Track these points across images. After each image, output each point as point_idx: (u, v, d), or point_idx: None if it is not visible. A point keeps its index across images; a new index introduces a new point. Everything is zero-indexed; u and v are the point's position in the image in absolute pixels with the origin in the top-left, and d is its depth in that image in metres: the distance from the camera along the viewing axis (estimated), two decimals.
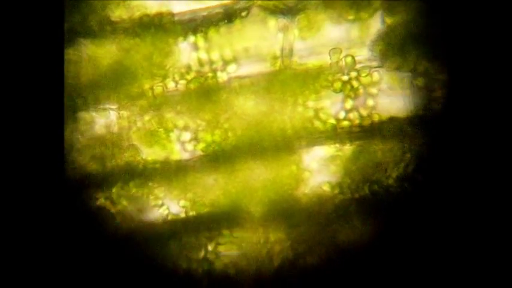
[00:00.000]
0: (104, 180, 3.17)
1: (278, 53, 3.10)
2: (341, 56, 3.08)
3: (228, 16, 3.08)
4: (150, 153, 3.16)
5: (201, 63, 3.12)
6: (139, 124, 3.15)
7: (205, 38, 3.11)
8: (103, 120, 3.16)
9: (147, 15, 3.11)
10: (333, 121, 3.11)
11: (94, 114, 3.15)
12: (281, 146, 3.11)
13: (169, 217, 3.17)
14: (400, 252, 3.05)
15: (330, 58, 3.08)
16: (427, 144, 3.05)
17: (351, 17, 3.06)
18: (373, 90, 3.09)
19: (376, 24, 3.07)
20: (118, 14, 3.11)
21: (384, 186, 3.08)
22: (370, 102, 3.09)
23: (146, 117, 3.14)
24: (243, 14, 3.08)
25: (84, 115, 3.15)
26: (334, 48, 3.07)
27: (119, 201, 3.17)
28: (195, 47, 3.12)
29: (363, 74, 3.08)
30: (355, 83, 3.09)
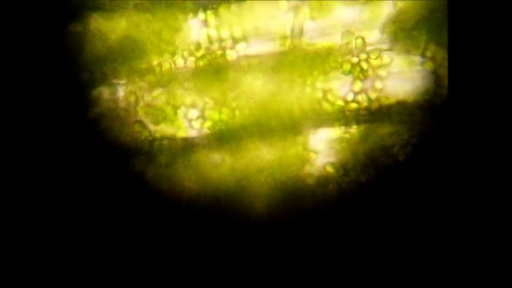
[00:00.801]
0: (110, 156, 3.16)
1: (288, 32, 3.09)
2: (352, 38, 3.07)
3: None
4: (157, 130, 3.16)
5: (210, 40, 3.12)
6: (147, 100, 3.14)
7: (216, 15, 3.10)
8: (110, 95, 3.15)
9: None
10: (341, 103, 3.10)
11: (101, 89, 3.15)
12: (288, 126, 3.10)
13: (175, 195, 3.16)
14: (405, 236, 3.04)
15: (342, 40, 3.07)
16: (435, 129, 3.03)
17: None
18: (383, 73, 3.07)
19: (387, 6, 3.05)
20: None
21: (390, 170, 3.07)
22: (379, 85, 3.08)
23: (154, 93, 3.14)
24: None
25: (91, 90, 3.15)
26: (346, 31, 3.06)
27: (126, 177, 3.16)
28: (205, 24, 3.11)
29: (373, 57, 3.07)
30: (364, 65, 3.07)
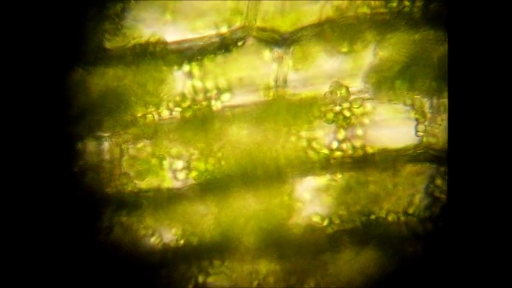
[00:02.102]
0: (95, 209, 3.14)
1: (272, 83, 3.13)
2: (336, 87, 3.11)
3: (225, 46, 3.11)
4: (142, 182, 3.15)
5: (195, 91, 3.14)
6: (131, 152, 3.14)
7: (201, 67, 3.13)
8: (95, 148, 3.14)
9: (142, 44, 3.13)
10: (326, 151, 3.13)
11: (86, 141, 3.14)
12: (274, 175, 3.12)
13: (160, 246, 3.15)
14: (391, 284, 3.06)
15: (329, 89, 3.10)
16: (419, 176, 3.08)
17: (344, 49, 3.10)
18: (366, 121, 3.12)
19: (369, 56, 3.11)
20: (113, 42, 3.12)
21: (376, 218, 3.09)
22: (363, 133, 3.12)
23: (139, 145, 3.14)
24: (239, 44, 3.11)
25: (76, 143, 3.13)
26: (335, 81, 3.10)
27: (111, 230, 3.14)
28: (190, 76, 3.13)
29: (355, 106, 3.12)
30: (347, 114, 3.12)
